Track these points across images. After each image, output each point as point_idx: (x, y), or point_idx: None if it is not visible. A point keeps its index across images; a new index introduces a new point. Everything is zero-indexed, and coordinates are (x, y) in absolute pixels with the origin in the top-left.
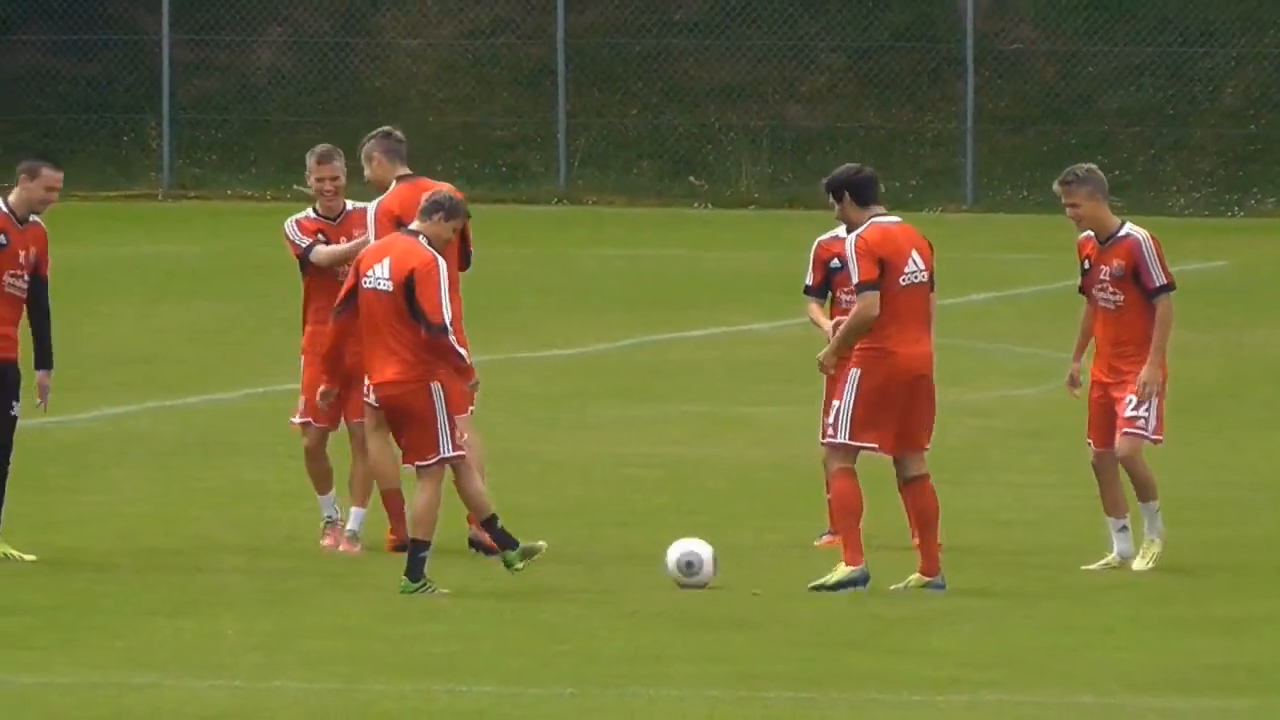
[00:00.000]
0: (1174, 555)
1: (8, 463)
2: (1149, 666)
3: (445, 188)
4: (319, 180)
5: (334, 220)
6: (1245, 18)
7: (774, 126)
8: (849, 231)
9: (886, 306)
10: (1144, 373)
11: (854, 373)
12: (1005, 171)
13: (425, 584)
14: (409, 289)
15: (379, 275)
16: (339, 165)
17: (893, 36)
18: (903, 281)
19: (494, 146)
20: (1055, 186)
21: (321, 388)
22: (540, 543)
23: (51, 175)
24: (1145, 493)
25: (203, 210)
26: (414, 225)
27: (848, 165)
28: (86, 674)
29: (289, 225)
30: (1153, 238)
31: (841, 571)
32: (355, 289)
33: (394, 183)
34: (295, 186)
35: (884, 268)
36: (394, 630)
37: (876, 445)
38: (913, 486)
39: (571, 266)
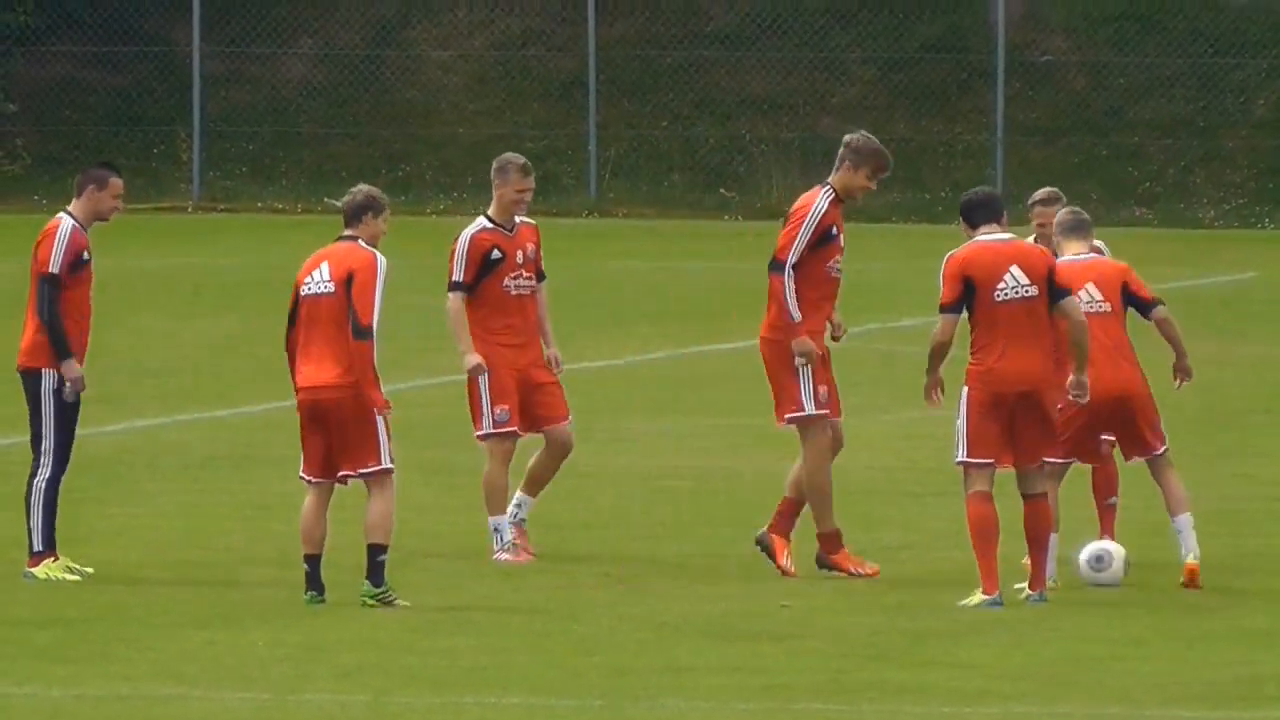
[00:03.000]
0: (1204, 567)
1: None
2: (1178, 678)
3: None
4: (519, 192)
5: (510, 231)
6: (1277, 29)
7: (805, 138)
8: None
9: (984, 323)
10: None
11: (964, 391)
12: (1036, 183)
13: (386, 590)
14: (349, 288)
15: (318, 280)
16: (533, 179)
17: (923, 48)
18: (997, 298)
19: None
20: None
21: None
22: (399, 601)
23: (118, 182)
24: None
25: (233, 223)
26: (348, 232)
27: (972, 189)
28: (117, 686)
29: (463, 243)
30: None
31: (978, 599)
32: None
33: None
34: (326, 199)
35: (971, 287)
36: (424, 643)
37: (993, 460)
38: (1027, 504)
39: (602, 279)
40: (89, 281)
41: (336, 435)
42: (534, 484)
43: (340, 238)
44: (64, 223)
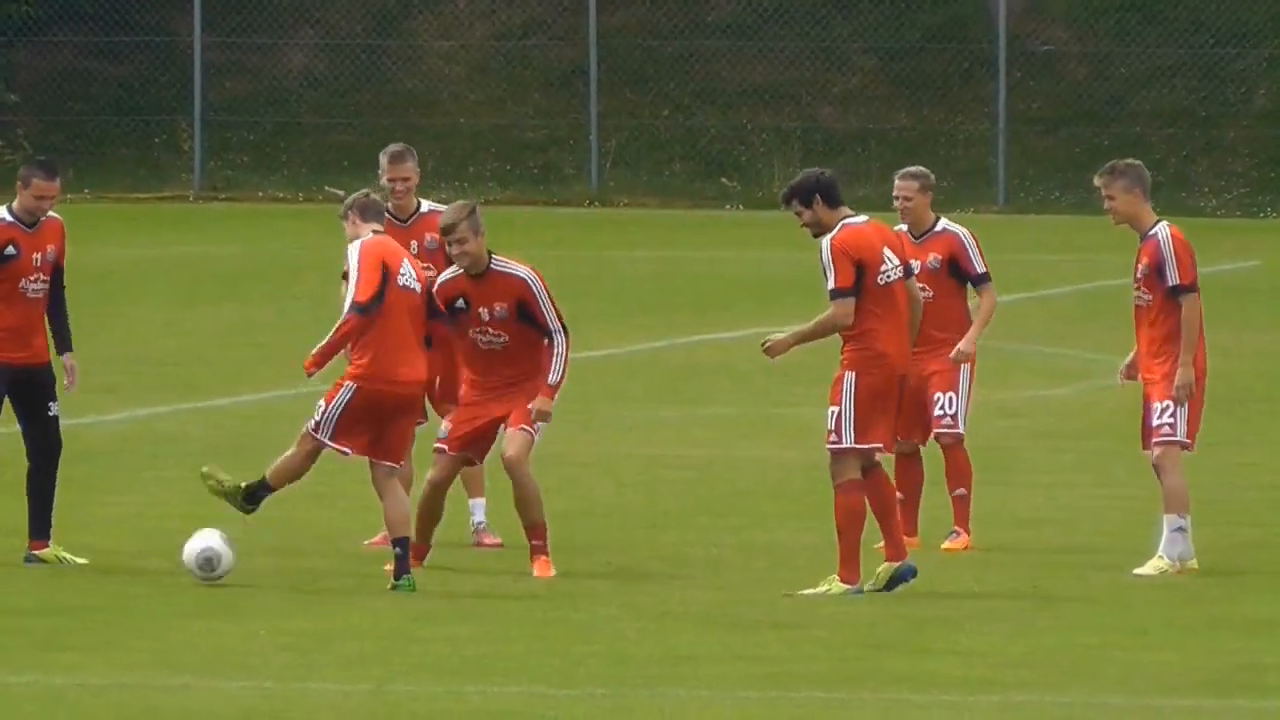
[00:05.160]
0: (1207, 556)
1: (55, 467)
2: (1180, 667)
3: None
4: (390, 180)
5: (404, 222)
6: (1277, 19)
7: (806, 128)
8: (816, 236)
9: (870, 307)
10: (1178, 376)
11: (849, 376)
12: (1037, 173)
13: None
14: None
15: (408, 275)
16: (411, 165)
17: (925, 38)
18: (880, 281)
19: (526, 148)
20: (1095, 179)
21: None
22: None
23: (41, 185)
24: (1167, 504)
25: (234, 212)
26: (379, 226)
27: (807, 170)
28: (119, 675)
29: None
30: (1177, 238)
31: (838, 588)
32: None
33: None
34: (326, 188)
35: (861, 270)
36: (426, 631)
37: (881, 445)
38: (868, 476)
39: (603, 268)
40: (25, 273)
41: (399, 425)
42: (474, 485)
43: (382, 233)
44: None
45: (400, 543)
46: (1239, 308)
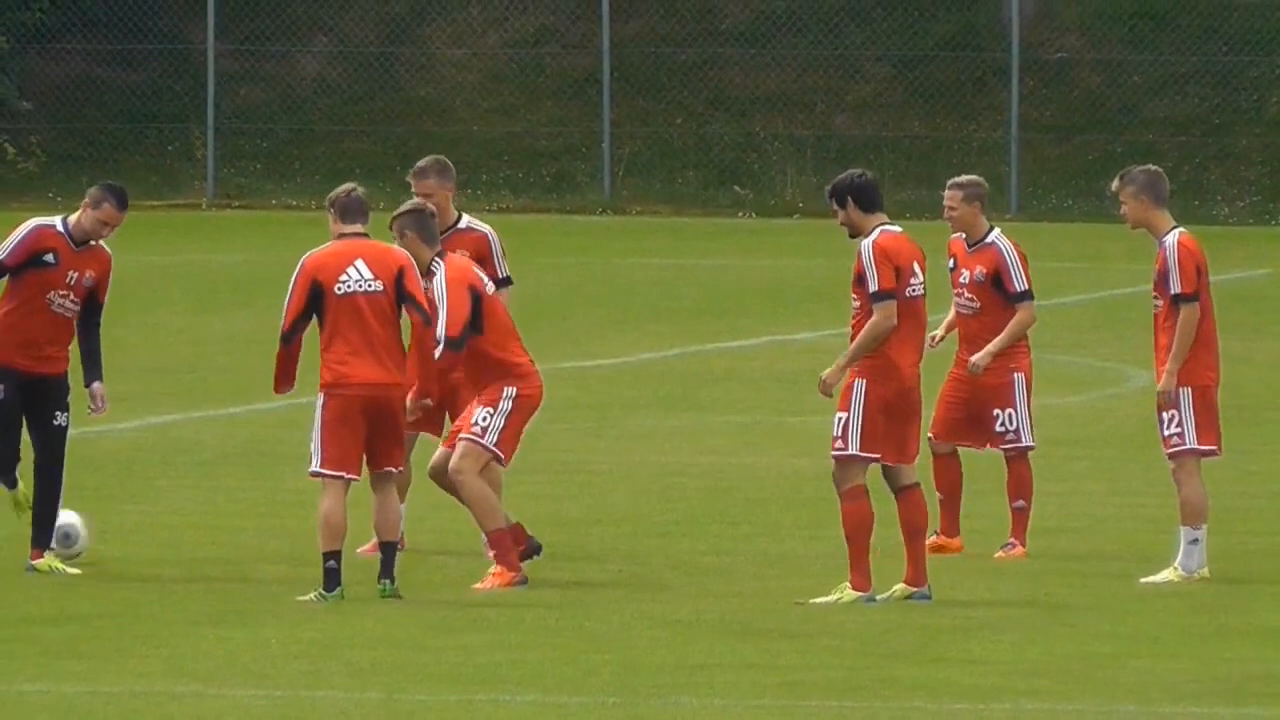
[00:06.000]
0: (1220, 564)
1: (60, 477)
2: (1193, 675)
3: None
4: (417, 195)
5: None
6: None
7: (819, 136)
8: (852, 237)
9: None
10: (1160, 382)
11: (859, 384)
12: (1050, 181)
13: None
14: (401, 286)
15: (357, 278)
16: (431, 182)
17: (938, 46)
18: (909, 294)
19: (539, 156)
20: (1112, 184)
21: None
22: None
23: (110, 213)
24: (1184, 515)
25: (247, 220)
26: (359, 228)
27: (851, 170)
28: (131, 683)
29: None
30: (1183, 246)
31: (849, 596)
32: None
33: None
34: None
35: (897, 276)
36: (437, 640)
37: (880, 456)
38: (906, 496)
39: (616, 276)
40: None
41: (381, 431)
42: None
43: (350, 235)
44: (44, 223)
45: (386, 548)
46: (1251, 315)
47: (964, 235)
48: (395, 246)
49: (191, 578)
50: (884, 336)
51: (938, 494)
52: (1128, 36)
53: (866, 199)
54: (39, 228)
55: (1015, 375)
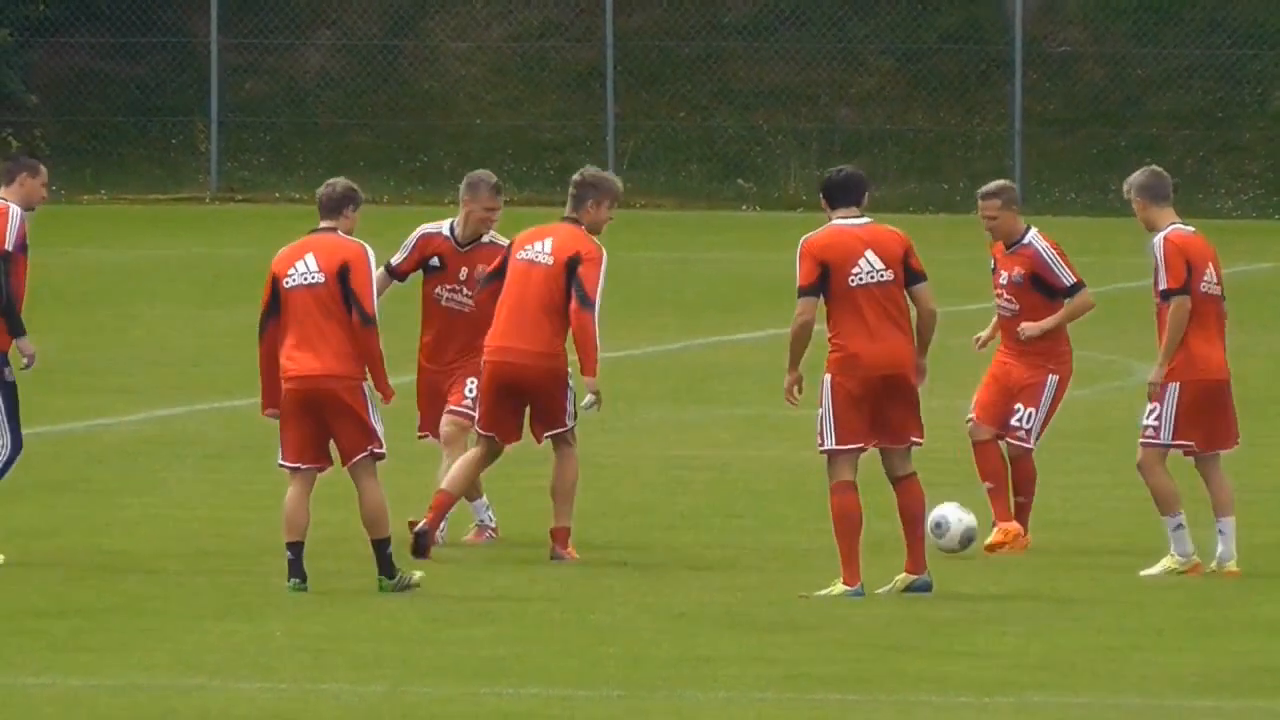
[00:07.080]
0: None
1: None
2: (1197, 668)
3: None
4: (487, 210)
5: (463, 247)
6: None
7: (823, 129)
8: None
9: (839, 310)
10: (1151, 374)
11: (826, 379)
12: (1054, 174)
13: (400, 576)
14: (345, 280)
15: (304, 271)
16: (499, 199)
17: (942, 39)
18: (851, 283)
19: (543, 149)
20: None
21: None
22: (416, 576)
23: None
24: (1157, 505)
25: (250, 213)
26: (327, 223)
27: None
28: (136, 676)
29: (416, 234)
30: (1170, 242)
31: (839, 590)
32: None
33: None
34: None
35: (826, 270)
36: (442, 633)
37: (862, 445)
38: (903, 485)
39: (620, 269)
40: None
41: (334, 424)
42: (473, 489)
43: (319, 230)
44: (12, 206)
45: (376, 545)
46: (1255, 310)
47: (1001, 240)
48: (351, 240)
49: (196, 571)
50: (797, 332)
51: (985, 484)
52: (1131, 30)
53: (831, 195)
54: (22, 213)
55: (1050, 378)
